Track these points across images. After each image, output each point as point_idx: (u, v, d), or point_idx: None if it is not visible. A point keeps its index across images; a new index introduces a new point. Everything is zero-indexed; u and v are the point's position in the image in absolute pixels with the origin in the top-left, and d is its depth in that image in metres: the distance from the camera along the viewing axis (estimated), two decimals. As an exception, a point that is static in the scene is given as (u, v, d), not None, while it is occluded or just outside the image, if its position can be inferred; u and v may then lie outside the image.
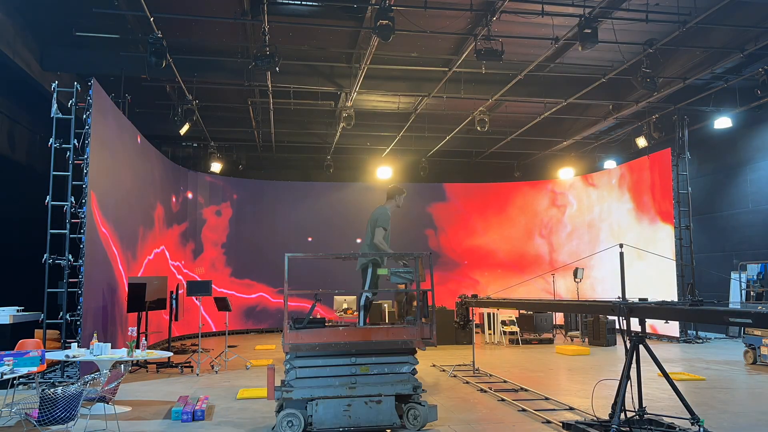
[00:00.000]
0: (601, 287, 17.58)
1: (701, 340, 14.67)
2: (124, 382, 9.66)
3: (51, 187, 9.65)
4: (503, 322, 15.28)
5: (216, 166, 18.09)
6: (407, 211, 20.01)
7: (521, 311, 15.08)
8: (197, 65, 12.65)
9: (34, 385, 9.09)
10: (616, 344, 14.32)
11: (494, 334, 15.43)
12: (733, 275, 14.72)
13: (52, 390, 5.36)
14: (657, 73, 12.10)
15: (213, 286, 14.53)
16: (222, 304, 12.39)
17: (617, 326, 13.57)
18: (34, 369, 6.53)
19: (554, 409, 7.32)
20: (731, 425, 6.47)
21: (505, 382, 9.43)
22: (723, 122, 14.82)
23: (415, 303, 6.52)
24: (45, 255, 9.48)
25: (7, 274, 11.33)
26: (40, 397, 5.24)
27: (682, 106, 14.87)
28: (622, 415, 5.52)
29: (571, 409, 7.35)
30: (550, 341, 15.02)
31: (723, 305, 4.84)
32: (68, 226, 9.58)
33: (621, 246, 5.95)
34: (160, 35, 10.20)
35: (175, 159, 17.21)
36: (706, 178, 17.06)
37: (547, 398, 8.02)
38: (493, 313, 15.51)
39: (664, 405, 7.34)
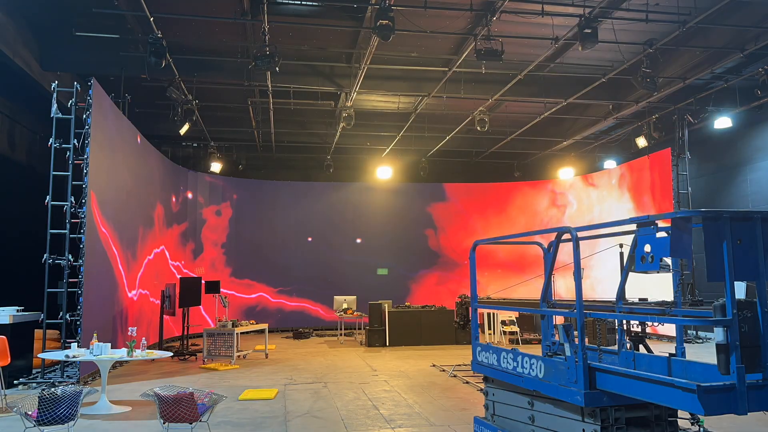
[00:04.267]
0: (601, 287, 17.57)
1: (701, 340, 14.69)
2: (124, 382, 9.67)
3: (51, 187, 9.65)
4: (503, 322, 15.28)
5: (216, 166, 18.08)
6: (407, 211, 20.05)
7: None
8: (197, 65, 12.65)
9: (34, 385, 9.09)
10: (616, 344, 14.30)
11: (494, 334, 15.42)
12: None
13: (51, 390, 5.36)
14: (657, 73, 12.09)
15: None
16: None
17: (617, 326, 13.54)
18: None
19: (554, 409, 7.31)
20: (731, 425, 6.47)
21: (505, 382, 9.42)
22: (723, 122, 14.81)
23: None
24: (45, 255, 9.48)
25: (7, 274, 11.33)
26: (39, 397, 5.24)
27: (682, 106, 14.86)
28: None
29: (571, 409, 7.34)
30: (550, 341, 15.00)
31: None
32: (68, 226, 9.58)
33: (621, 246, 5.94)
34: (160, 35, 10.19)
35: (175, 159, 17.21)
36: (706, 178, 17.05)
37: (547, 398, 8.01)
38: (493, 313, 15.51)
39: (664, 405, 7.33)
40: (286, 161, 20.21)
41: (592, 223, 20.50)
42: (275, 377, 10.20)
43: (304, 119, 16.97)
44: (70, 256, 9.58)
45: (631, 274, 4.87)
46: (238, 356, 12.15)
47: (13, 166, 12.34)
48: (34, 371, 9.74)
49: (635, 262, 4.19)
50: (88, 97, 9.77)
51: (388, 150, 18.94)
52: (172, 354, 9.53)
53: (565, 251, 5.15)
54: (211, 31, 11.52)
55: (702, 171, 17.09)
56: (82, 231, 9.49)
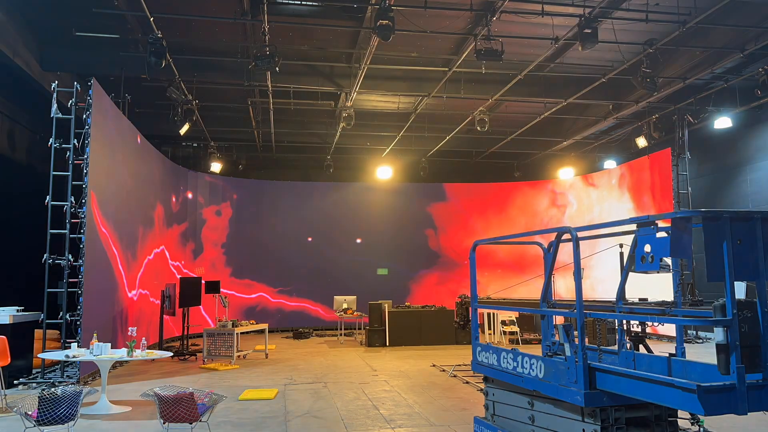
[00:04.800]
0: (602, 287, 17.57)
1: (701, 340, 14.69)
2: (124, 382, 9.67)
3: (51, 187, 9.65)
4: (503, 322, 15.27)
5: (216, 166, 18.09)
6: (407, 211, 20.04)
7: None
8: (197, 65, 12.65)
9: (34, 385, 9.09)
10: (616, 344, 14.30)
11: (494, 334, 15.42)
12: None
13: (51, 390, 5.36)
14: (657, 73, 12.09)
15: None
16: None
17: (617, 326, 13.54)
18: None
19: (554, 409, 7.31)
20: (731, 425, 6.47)
21: (505, 382, 9.42)
22: (723, 122, 14.81)
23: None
24: (45, 255, 9.48)
25: (7, 274, 11.33)
26: (39, 397, 5.24)
27: (682, 106, 14.86)
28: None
29: (571, 409, 7.34)
30: (550, 341, 14.99)
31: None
32: (68, 226, 9.58)
33: (621, 246, 5.94)
34: (160, 35, 10.20)
35: (175, 159, 17.21)
36: (706, 178, 17.05)
37: (547, 398, 8.01)
38: (493, 313, 15.51)
39: (664, 405, 7.33)
40: (286, 161, 20.22)
41: (592, 223, 20.56)
42: (275, 377, 10.20)
43: (304, 119, 16.97)
44: (70, 256, 9.57)
45: (631, 274, 4.86)
46: (238, 356, 12.15)
47: (13, 166, 12.34)
48: (34, 371, 9.74)
49: (635, 262, 4.19)
50: (88, 97, 9.77)
51: (388, 150, 18.95)
52: (172, 354, 9.53)
53: (565, 251, 5.15)
54: (211, 31, 11.51)
55: (702, 171, 17.09)
56: (82, 231, 9.49)
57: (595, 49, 10.58)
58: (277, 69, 10.88)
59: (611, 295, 5.85)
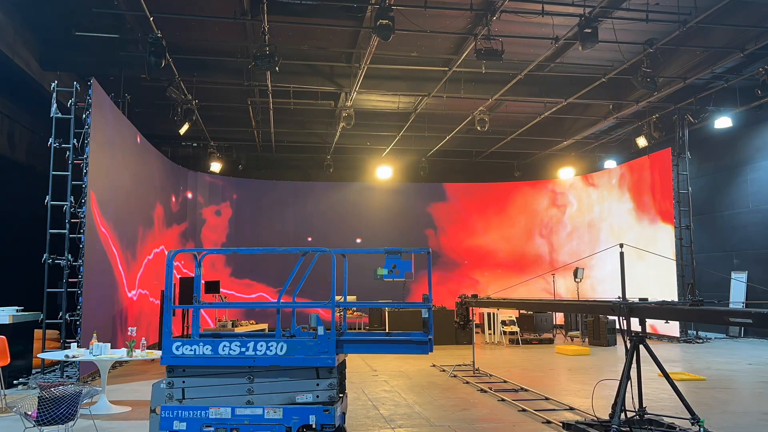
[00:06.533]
0: (602, 287, 17.57)
1: (701, 340, 14.67)
2: (124, 382, 9.67)
3: (51, 187, 9.64)
4: (503, 322, 15.26)
5: (216, 166, 18.09)
6: (407, 211, 20.04)
7: (521, 311, 15.06)
8: (197, 65, 12.64)
9: (34, 385, 9.09)
10: (616, 344, 14.30)
11: (494, 334, 15.41)
12: (734, 275, 14.71)
13: (51, 390, 5.35)
14: (657, 73, 12.09)
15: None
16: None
17: (617, 326, 13.55)
18: None
19: (554, 409, 7.31)
20: (732, 425, 6.46)
21: (505, 382, 9.42)
22: (723, 122, 14.81)
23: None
24: (45, 255, 9.47)
25: (7, 274, 11.32)
26: (39, 397, 5.23)
27: (682, 106, 14.86)
28: (623, 415, 5.51)
29: (571, 409, 7.33)
30: (550, 341, 15.01)
31: (723, 305, 4.84)
32: (68, 226, 9.57)
33: (621, 246, 5.94)
34: (159, 35, 10.19)
35: (174, 159, 17.20)
36: (706, 177, 17.05)
37: (547, 398, 8.01)
38: (493, 313, 15.50)
39: (664, 405, 7.33)
40: (286, 161, 20.21)
41: (593, 223, 20.48)
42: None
43: (304, 119, 16.97)
44: (69, 256, 9.56)
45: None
46: (238, 356, 12.14)
47: (13, 166, 12.34)
48: (33, 371, 9.73)
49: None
50: (88, 97, 9.75)
51: (388, 150, 18.95)
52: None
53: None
54: (211, 31, 11.51)
55: (702, 171, 17.09)
56: (81, 231, 9.48)
57: (595, 49, 10.58)
58: (277, 69, 10.87)
59: (611, 295, 5.85)
